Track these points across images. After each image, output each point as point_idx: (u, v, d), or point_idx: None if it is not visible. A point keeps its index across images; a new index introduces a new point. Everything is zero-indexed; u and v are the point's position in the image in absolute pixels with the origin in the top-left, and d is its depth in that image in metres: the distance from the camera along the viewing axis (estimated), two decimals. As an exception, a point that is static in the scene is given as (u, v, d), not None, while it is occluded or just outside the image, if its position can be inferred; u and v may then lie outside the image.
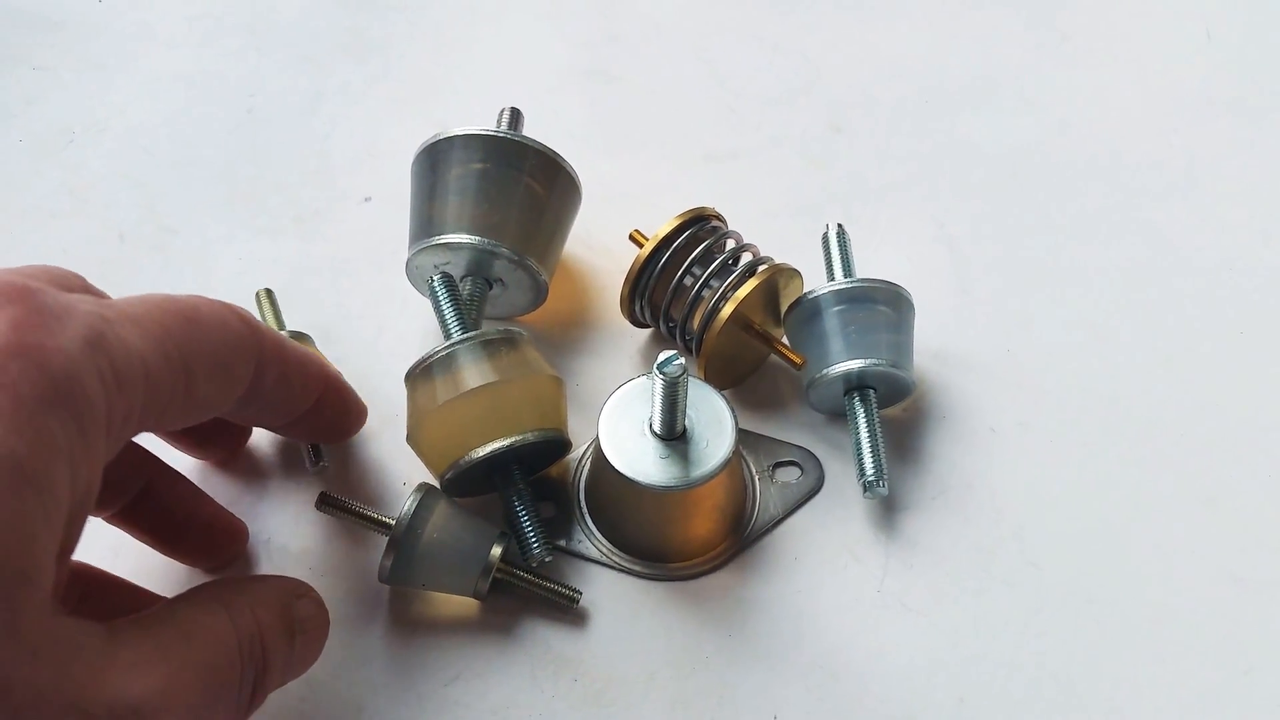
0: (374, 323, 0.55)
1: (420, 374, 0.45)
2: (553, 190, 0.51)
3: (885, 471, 0.48)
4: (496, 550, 0.44)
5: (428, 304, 0.50)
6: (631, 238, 0.52)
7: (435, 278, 0.48)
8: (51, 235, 0.59)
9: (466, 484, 0.46)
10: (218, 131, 0.64)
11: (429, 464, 0.46)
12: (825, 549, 0.48)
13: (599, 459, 0.45)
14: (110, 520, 0.43)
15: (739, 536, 0.48)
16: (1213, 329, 0.56)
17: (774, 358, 0.53)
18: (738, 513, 0.49)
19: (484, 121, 0.51)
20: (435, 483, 0.46)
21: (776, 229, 0.55)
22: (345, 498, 0.45)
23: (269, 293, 0.53)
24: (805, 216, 0.59)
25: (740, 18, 0.71)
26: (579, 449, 0.50)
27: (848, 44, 0.70)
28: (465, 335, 0.46)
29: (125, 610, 0.34)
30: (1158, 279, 0.58)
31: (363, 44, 0.69)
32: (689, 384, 0.43)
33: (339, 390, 0.45)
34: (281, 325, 0.52)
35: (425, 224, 0.49)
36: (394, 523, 0.43)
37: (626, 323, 0.53)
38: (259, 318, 0.51)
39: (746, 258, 0.51)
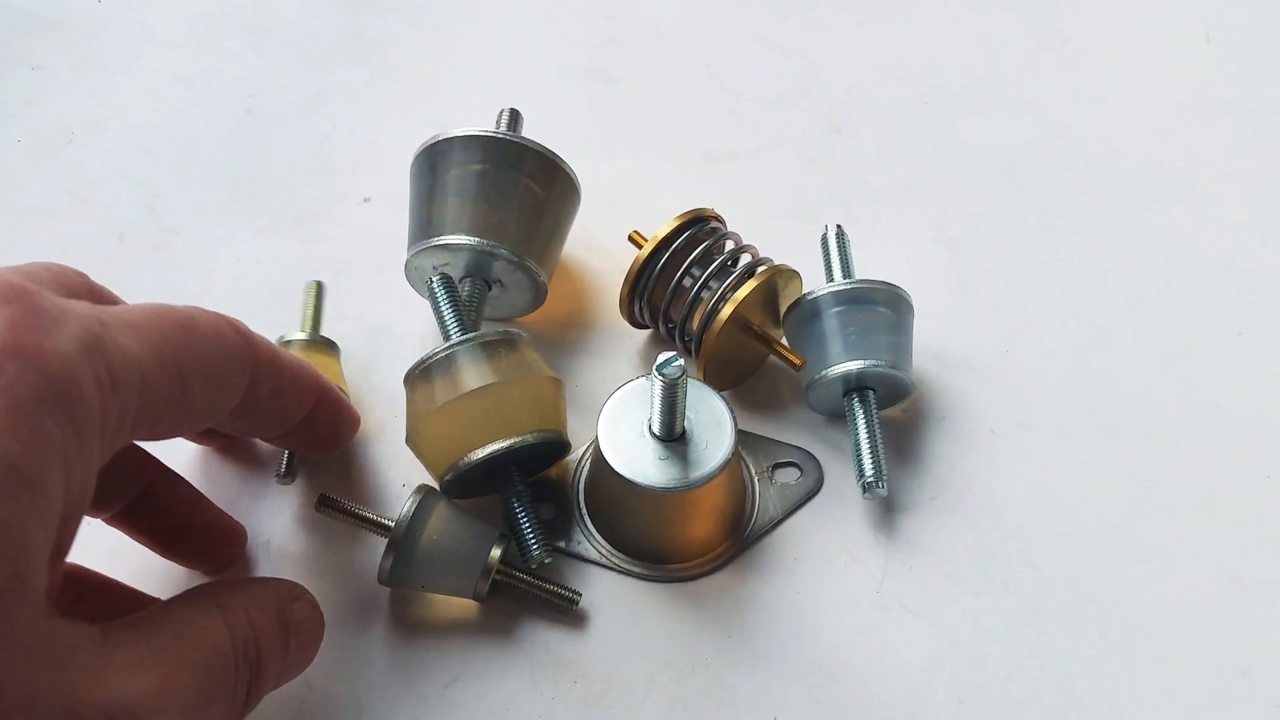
0: (373, 323, 0.55)
1: (419, 375, 0.45)
2: (552, 191, 0.51)
3: (885, 472, 0.48)
4: (496, 552, 0.44)
5: (427, 305, 0.50)
6: (630, 239, 0.52)
7: (434, 279, 0.48)
8: (51, 235, 0.59)
9: (466, 485, 0.46)
10: (217, 132, 0.64)
11: (428, 465, 0.46)
12: (825, 550, 0.48)
13: (598, 460, 0.45)
14: (109, 522, 0.43)
15: (738, 538, 0.48)
16: (1212, 329, 0.56)
17: (773, 359, 0.53)
18: (737, 514, 0.49)
19: (483, 122, 0.51)
20: (434, 484, 0.46)
21: (776, 230, 0.55)
22: (345, 499, 0.45)
23: (319, 285, 0.52)
24: (804, 217, 0.59)
25: (740, 19, 0.71)
26: (578, 450, 0.50)
27: (848, 45, 0.70)
28: (464, 336, 0.46)
29: (121, 612, 0.34)
30: (1157, 280, 0.58)
31: (362, 44, 0.69)
32: (688, 385, 0.43)
33: (332, 402, 0.45)
34: (318, 323, 0.51)
35: (424, 225, 0.49)
36: (393, 524, 0.43)
37: (626, 324, 0.53)
38: (303, 306, 0.51)
39: (746, 259, 0.51)
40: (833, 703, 0.44)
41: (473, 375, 0.44)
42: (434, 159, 0.50)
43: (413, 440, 0.46)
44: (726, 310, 0.48)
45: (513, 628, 0.46)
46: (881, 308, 0.49)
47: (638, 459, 0.44)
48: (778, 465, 0.50)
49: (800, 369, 0.49)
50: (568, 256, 0.57)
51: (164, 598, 0.39)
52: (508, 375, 0.44)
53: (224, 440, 0.50)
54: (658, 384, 0.41)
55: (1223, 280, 0.58)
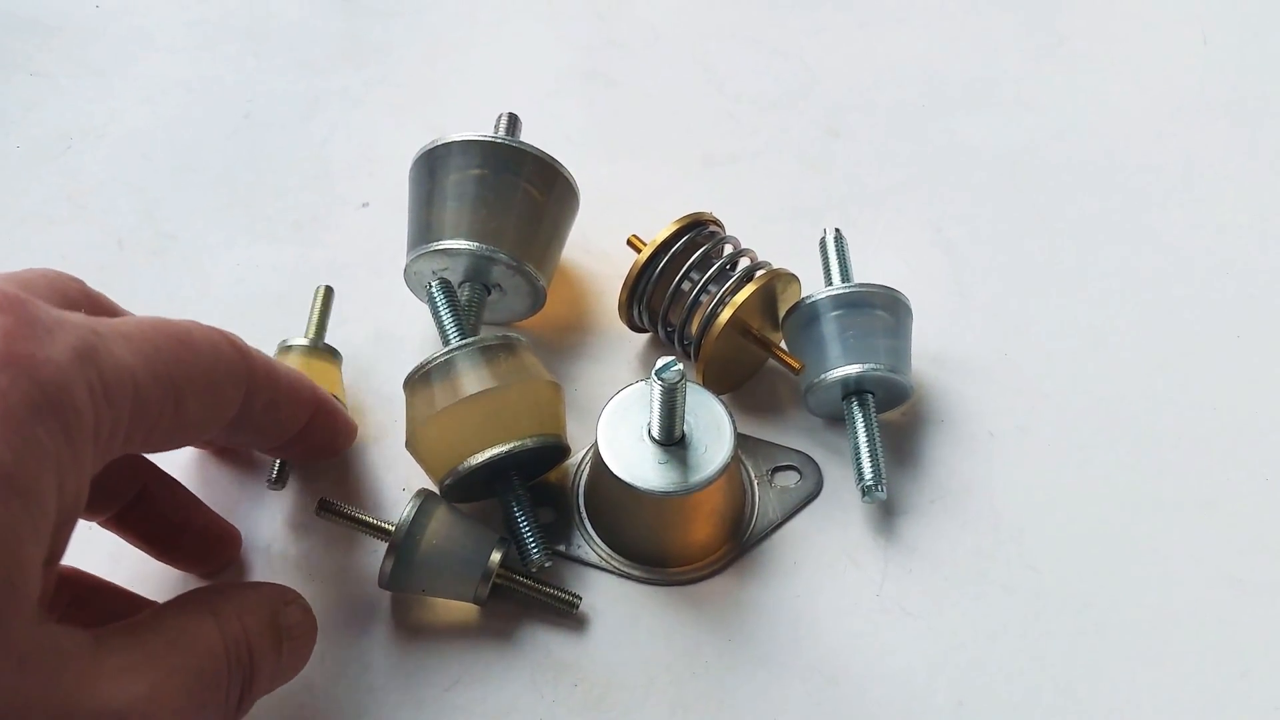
0: (372, 328, 0.55)
1: (419, 380, 0.46)
2: (550, 196, 0.51)
3: (884, 476, 0.48)
4: (496, 555, 0.44)
5: (426, 310, 0.50)
6: (629, 243, 0.52)
7: (433, 283, 0.48)
8: (50, 241, 0.59)
9: (466, 489, 0.46)
10: (216, 137, 0.64)
11: (428, 470, 0.46)
12: (824, 553, 0.48)
13: (598, 464, 0.45)
14: (104, 525, 0.43)
15: (738, 541, 0.48)
16: (1210, 332, 0.56)
17: (772, 362, 0.53)
18: (736, 517, 0.49)
19: (482, 127, 0.51)
20: (434, 488, 0.46)
21: (774, 233, 0.55)
22: (345, 504, 0.45)
23: (328, 290, 0.52)
24: (803, 221, 0.59)
25: (738, 22, 0.71)
26: (578, 454, 0.50)
27: (846, 48, 0.70)
28: (464, 341, 0.46)
29: (117, 616, 0.35)
30: (1155, 282, 0.58)
31: (361, 49, 0.69)
32: (687, 389, 0.43)
33: (328, 413, 0.45)
34: (323, 328, 0.51)
35: (423, 229, 0.49)
36: (394, 528, 0.43)
37: (625, 328, 0.53)
38: (310, 310, 0.51)
39: (744, 262, 0.51)
40: (832, 706, 0.44)
41: (472, 380, 0.44)
42: (433, 164, 0.50)
43: (412, 445, 0.46)
44: (725, 314, 0.48)
45: (513, 631, 0.46)
46: (880, 311, 0.49)
47: (637, 463, 0.44)
48: (777, 469, 0.50)
49: (799, 373, 0.49)
50: (566, 260, 0.57)
51: (159, 601, 0.39)
52: (507, 380, 0.44)
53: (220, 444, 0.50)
54: (657, 388, 0.41)
55: (1221, 282, 0.58)
